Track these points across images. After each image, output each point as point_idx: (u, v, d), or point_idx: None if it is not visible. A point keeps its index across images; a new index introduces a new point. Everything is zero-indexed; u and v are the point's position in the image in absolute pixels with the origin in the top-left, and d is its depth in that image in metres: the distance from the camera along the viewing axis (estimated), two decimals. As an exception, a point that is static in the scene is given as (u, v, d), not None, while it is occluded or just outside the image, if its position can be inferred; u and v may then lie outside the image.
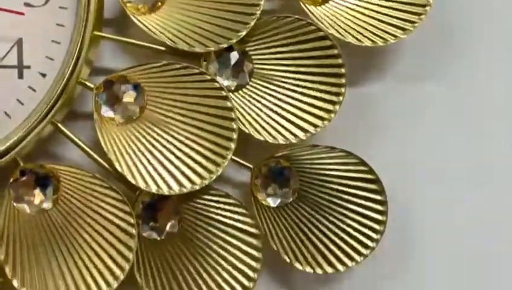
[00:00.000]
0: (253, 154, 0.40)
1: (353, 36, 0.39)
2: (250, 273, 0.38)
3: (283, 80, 0.39)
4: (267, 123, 0.39)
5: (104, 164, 0.37)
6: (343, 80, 0.39)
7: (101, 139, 0.37)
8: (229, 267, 0.38)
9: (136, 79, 0.37)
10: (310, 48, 0.39)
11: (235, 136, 0.37)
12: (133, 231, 0.36)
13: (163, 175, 0.37)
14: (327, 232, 0.39)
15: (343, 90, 0.39)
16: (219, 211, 0.38)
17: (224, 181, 0.40)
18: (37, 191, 0.36)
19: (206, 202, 0.38)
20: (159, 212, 0.38)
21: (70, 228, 0.36)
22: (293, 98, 0.39)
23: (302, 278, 0.41)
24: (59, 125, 0.37)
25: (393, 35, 0.39)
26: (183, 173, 0.37)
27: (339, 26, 0.39)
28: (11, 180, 0.36)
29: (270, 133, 0.39)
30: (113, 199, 0.37)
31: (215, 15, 0.38)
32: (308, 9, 0.38)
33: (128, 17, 0.38)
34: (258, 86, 0.39)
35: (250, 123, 0.39)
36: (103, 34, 0.38)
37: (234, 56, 0.38)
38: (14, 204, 0.36)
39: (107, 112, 0.36)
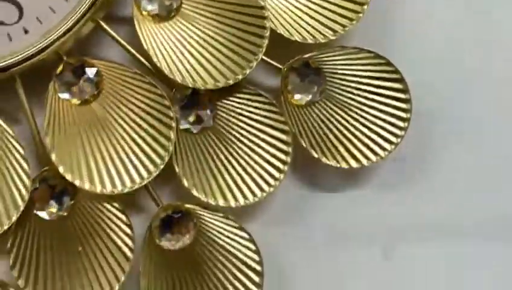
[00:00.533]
0: (282, 56, 0.41)
1: None
2: (280, 165, 0.40)
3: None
4: (297, 23, 0.41)
5: (143, 60, 0.39)
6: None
7: (140, 35, 0.39)
8: (260, 160, 0.40)
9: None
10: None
11: (267, 33, 0.39)
12: (172, 124, 0.38)
13: (199, 71, 0.39)
14: (353, 129, 0.41)
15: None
16: (251, 109, 0.40)
17: (254, 85, 0.42)
18: (81, 83, 0.38)
19: (238, 99, 0.40)
20: (195, 107, 0.40)
21: (112, 120, 0.38)
22: (322, -2, 0.41)
23: (328, 174, 0.44)
24: (100, 22, 0.38)
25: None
26: (216, 68, 0.39)
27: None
28: (57, 72, 0.38)
29: (300, 33, 0.40)
30: (153, 94, 0.39)
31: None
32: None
33: None
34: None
35: (280, 23, 0.40)
36: None
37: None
38: (59, 95, 0.38)
39: (147, 5, 0.38)
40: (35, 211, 0.38)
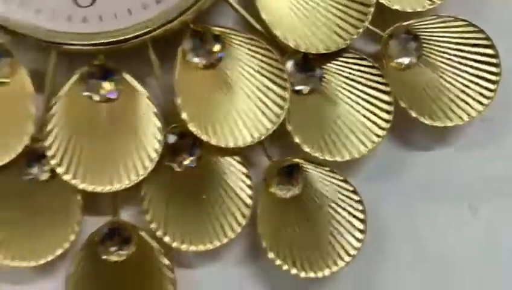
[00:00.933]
0: (381, 23, 0.45)
1: None
2: (383, 123, 0.44)
3: None
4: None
5: (259, 27, 0.43)
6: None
7: (258, 7, 0.43)
8: (363, 119, 0.44)
9: None
10: None
11: (373, 1, 0.43)
12: (287, 85, 0.42)
13: (311, 37, 0.43)
14: (446, 91, 0.45)
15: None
16: (355, 72, 0.44)
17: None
18: (207, 48, 0.42)
19: (344, 63, 0.44)
20: (305, 70, 0.44)
21: (233, 82, 0.43)
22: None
23: (420, 133, 0.48)
24: None
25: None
26: (326, 35, 0.43)
27: None
28: (186, 38, 0.42)
29: (400, 2, 0.44)
30: (269, 58, 0.43)
31: None
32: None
33: None
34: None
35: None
36: None
37: None
38: (188, 59, 0.42)
39: None
40: (166, 163, 0.44)
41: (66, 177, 0.41)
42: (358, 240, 0.44)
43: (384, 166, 0.47)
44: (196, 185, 0.43)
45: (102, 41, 0.41)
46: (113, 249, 0.43)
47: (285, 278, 0.45)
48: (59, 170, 0.41)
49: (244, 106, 0.43)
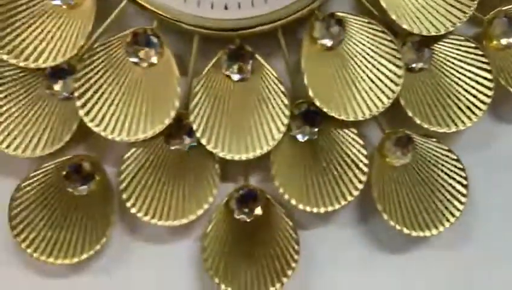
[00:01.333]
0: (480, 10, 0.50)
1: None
2: (486, 98, 0.49)
3: None
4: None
5: (375, 12, 0.48)
6: None
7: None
8: (468, 95, 0.49)
9: None
10: None
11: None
12: (401, 64, 0.48)
13: (423, 20, 0.48)
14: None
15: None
16: (460, 52, 0.49)
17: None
18: (331, 30, 0.48)
19: (450, 44, 0.49)
20: (415, 51, 0.49)
21: (352, 62, 0.48)
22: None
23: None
24: None
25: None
26: (436, 18, 0.48)
27: None
28: (314, 20, 0.47)
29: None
30: (384, 39, 0.48)
31: None
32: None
33: None
34: None
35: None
36: None
37: None
38: (318, 41, 0.48)
39: None
40: (291, 134, 0.49)
41: (209, 147, 0.47)
42: (461, 203, 0.49)
43: (476, 138, 0.52)
44: (317, 154, 0.49)
45: (241, 26, 0.46)
46: (245, 210, 0.49)
47: (395, 238, 0.52)
48: (203, 141, 0.47)
49: (364, 84, 0.48)
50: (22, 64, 0.46)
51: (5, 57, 0.45)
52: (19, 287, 0.50)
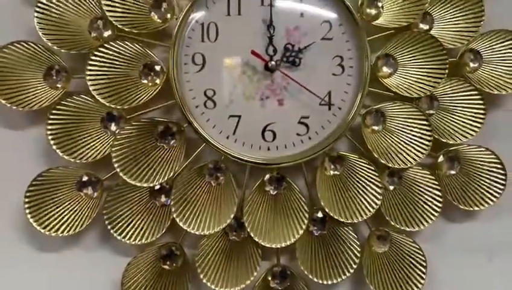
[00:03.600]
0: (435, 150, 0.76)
1: None
2: (437, 208, 0.74)
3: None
4: None
5: (365, 151, 0.74)
6: None
7: (368, 143, 0.74)
8: (425, 205, 0.74)
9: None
10: None
11: None
12: (381, 185, 0.73)
13: (394, 156, 0.73)
14: None
15: None
16: (420, 178, 0.74)
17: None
18: (337, 163, 0.73)
19: (412, 172, 0.74)
20: (393, 177, 0.74)
21: (350, 183, 0.73)
22: None
23: None
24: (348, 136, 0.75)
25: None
26: (405, 153, 0.73)
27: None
28: (327, 159, 0.73)
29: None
30: (370, 170, 0.73)
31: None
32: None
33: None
34: None
35: None
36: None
37: None
38: (327, 171, 0.73)
39: (372, 126, 0.73)
40: (310, 229, 0.73)
41: (256, 238, 0.72)
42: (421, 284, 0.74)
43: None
44: (326, 244, 0.74)
45: (277, 162, 0.72)
46: (276, 281, 0.73)
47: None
48: (252, 234, 0.72)
49: (357, 199, 0.73)
50: (140, 184, 0.71)
51: (132, 182, 0.71)
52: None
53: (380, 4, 0.73)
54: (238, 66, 0.73)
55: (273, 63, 0.72)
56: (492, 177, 0.76)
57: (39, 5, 0.72)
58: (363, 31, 0.73)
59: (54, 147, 0.72)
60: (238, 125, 0.73)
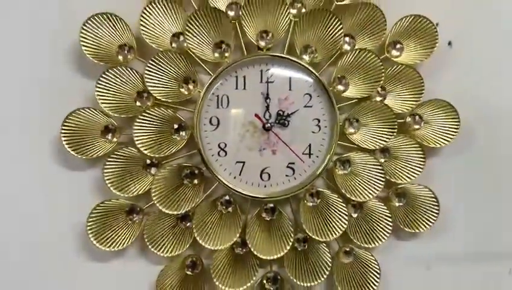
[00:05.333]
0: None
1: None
2: (385, 237, 0.98)
3: None
4: None
5: (335, 187, 0.97)
6: None
7: (337, 182, 0.97)
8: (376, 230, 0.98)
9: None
10: None
11: None
12: (347, 213, 0.96)
13: (357, 192, 0.97)
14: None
15: None
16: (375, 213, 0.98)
17: None
18: (315, 197, 0.96)
19: (371, 203, 0.98)
20: (356, 209, 0.98)
21: (325, 212, 0.97)
22: None
23: None
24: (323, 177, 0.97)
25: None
26: (363, 187, 0.98)
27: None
28: (307, 194, 0.96)
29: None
30: (339, 202, 0.96)
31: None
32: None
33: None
34: None
35: None
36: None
37: None
38: (307, 203, 0.96)
39: (341, 170, 0.96)
40: (294, 246, 0.97)
41: (255, 252, 0.94)
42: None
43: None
44: (307, 257, 0.97)
45: (271, 196, 0.95)
46: (270, 284, 0.96)
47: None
48: (252, 249, 0.94)
49: (331, 225, 0.97)
50: (170, 212, 0.93)
51: (165, 210, 0.92)
52: None
53: (346, 81, 0.93)
54: (243, 126, 0.92)
55: (268, 124, 0.91)
56: (428, 207, 0.94)
57: (99, 81, 0.90)
58: (334, 101, 0.91)
59: (108, 185, 0.90)
60: (243, 169, 0.92)
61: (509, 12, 0.97)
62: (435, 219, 0.95)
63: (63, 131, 0.90)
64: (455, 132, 0.94)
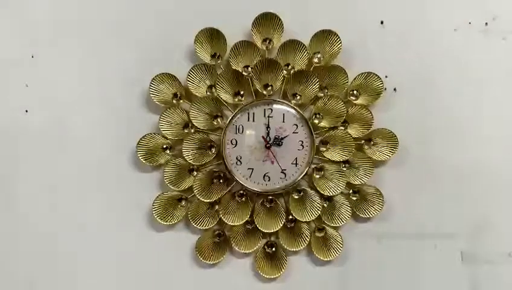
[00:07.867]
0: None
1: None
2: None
3: None
4: None
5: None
6: None
7: (315, 182, 1.43)
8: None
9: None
10: None
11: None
12: (320, 206, 1.42)
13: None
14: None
15: None
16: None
17: None
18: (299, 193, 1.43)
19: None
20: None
21: (307, 200, 1.43)
22: None
23: None
24: (305, 179, 1.43)
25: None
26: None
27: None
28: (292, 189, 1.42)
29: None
30: (316, 196, 1.43)
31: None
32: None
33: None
34: None
35: None
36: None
37: None
38: (293, 195, 1.43)
39: (317, 174, 1.42)
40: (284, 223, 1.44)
41: (259, 227, 1.40)
42: None
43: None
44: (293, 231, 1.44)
45: (270, 191, 1.38)
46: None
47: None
48: (257, 226, 1.41)
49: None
50: (205, 200, 1.38)
51: (202, 199, 1.37)
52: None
53: (320, 116, 1.25)
54: (252, 145, 1.26)
55: (269, 144, 1.24)
56: (376, 200, 1.25)
57: (161, 116, 1.26)
58: (312, 129, 1.25)
59: (166, 182, 1.25)
60: (252, 173, 1.26)
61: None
62: (380, 207, 1.25)
63: (138, 147, 1.26)
64: (394, 149, 1.26)
